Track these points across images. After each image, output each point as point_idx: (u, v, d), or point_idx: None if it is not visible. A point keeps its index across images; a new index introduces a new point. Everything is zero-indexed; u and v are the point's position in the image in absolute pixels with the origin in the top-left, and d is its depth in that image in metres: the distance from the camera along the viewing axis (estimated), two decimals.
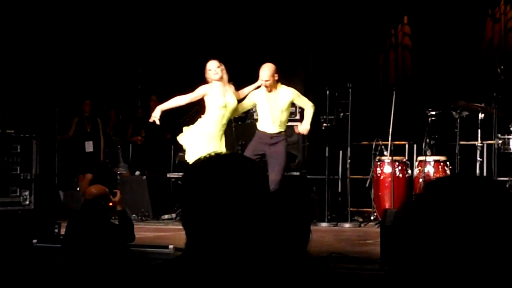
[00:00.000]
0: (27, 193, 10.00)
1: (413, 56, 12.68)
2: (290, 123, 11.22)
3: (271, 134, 8.97)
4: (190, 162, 9.11)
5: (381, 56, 12.93)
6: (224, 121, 8.84)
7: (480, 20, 12.11)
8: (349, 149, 10.32)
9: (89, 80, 13.25)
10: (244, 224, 1.91)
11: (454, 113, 9.63)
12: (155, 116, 8.86)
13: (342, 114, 10.27)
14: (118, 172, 12.50)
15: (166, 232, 8.69)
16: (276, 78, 8.91)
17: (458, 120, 9.60)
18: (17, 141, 10.02)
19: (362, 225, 9.89)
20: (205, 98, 8.83)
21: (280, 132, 9.02)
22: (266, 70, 8.87)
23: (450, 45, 11.96)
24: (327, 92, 10.24)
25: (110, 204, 5.90)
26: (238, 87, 9.11)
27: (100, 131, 12.30)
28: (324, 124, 10.41)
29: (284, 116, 9.05)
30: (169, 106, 9.04)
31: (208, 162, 1.96)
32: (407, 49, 12.75)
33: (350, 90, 9.78)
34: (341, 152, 10.78)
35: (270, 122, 8.97)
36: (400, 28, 12.78)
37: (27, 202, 9.99)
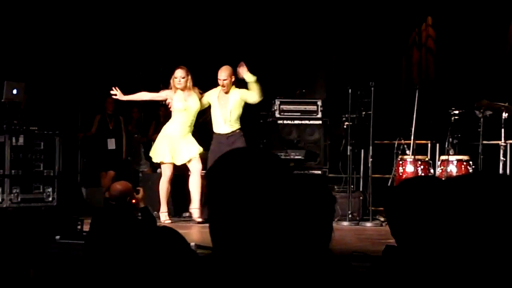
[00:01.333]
0: (50, 189, 10.06)
1: (436, 55, 12.61)
2: (312, 122, 11.26)
3: (227, 134, 9.43)
4: (153, 160, 9.64)
5: (403, 57, 12.88)
6: (187, 123, 9.49)
7: (504, 19, 12.03)
8: (371, 147, 10.28)
9: (111, 78, 13.30)
10: (267, 221, 1.91)
11: (477, 112, 9.57)
12: (117, 96, 9.91)
13: (364, 113, 10.23)
14: (140, 170, 12.54)
15: (188, 230, 8.70)
16: (233, 80, 9.49)
17: (482, 119, 9.54)
18: (40, 138, 10.09)
19: (383, 224, 9.86)
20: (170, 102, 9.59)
21: (234, 131, 9.48)
22: (224, 71, 9.49)
23: (474, 44, 11.88)
24: (349, 91, 10.20)
25: (133, 201, 5.92)
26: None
27: (122, 129, 12.37)
28: (346, 123, 10.37)
29: (234, 115, 9.46)
30: (132, 98, 10.08)
31: (233, 158, 1.97)
32: (431, 48, 12.69)
33: (372, 88, 9.74)
34: (363, 150, 10.74)
35: (222, 122, 9.46)
36: (423, 27, 12.71)
37: (50, 199, 10.05)
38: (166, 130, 9.49)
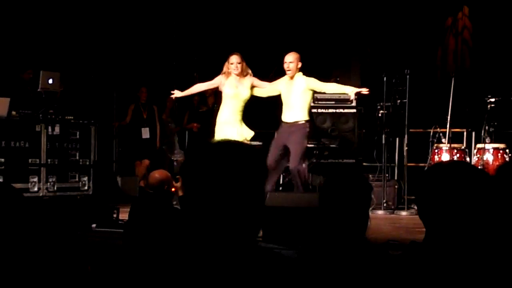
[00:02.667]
0: (86, 178, 10.13)
1: (473, 43, 12.48)
2: (346, 110, 11.21)
3: (289, 123, 8.97)
4: None
5: (440, 45, 12.77)
6: (236, 109, 9.07)
7: None
8: (406, 136, 10.23)
9: (145, 67, 13.36)
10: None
11: None
12: (175, 96, 9.65)
13: (399, 101, 10.17)
14: (175, 159, 12.59)
15: None
16: (299, 66, 8.94)
17: None
18: (76, 127, 10.15)
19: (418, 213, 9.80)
20: (220, 88, 9.20)
21: (297, 121, 8.93)
22: (291, 54, 9.00)
23: (511, 31, 11.74)
24: (384, 78, 10.14)
25: (173, 189, 5.92)
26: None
27: (156, 118, 12.42)
28: (381, 111, 10.32)
29: (296, 103, 8.96)
30: (190, 92, 9.68)
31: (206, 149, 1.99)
32: (467, 39, 12.56)
33: (408, 76, 9.67)
34: (398, 139, 10.69)
35: (285, 110, 9.03)
36: (460, 15, 12.59)
37: (86, 188, 10.12)
38: (219, 118, 9.21)
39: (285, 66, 8.88)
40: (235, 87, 9.09)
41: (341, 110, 11.16)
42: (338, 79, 11.77)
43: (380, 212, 9.81)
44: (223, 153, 1.96)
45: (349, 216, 2.97)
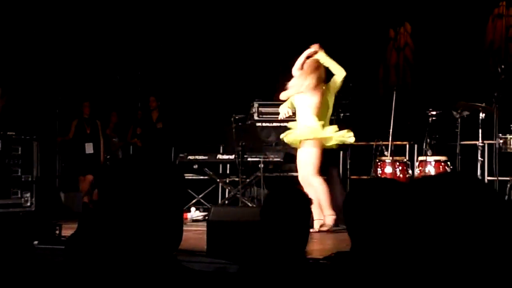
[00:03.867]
0: (28, 195, 9.99)
1: (414, 56, 12.67)
2: (290, 124, 11.27)
3: None
4: None
5: (381, 59, 12.93)
6: None
7: (481, 20, 12.11)
8: (349, 149, 10.31)
9: (88, 82, 13.26)
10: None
11: (454, 113, 9.62)
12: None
13: (342, 114, 10.26)
14: None
15: None
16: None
17: (459, 120, 9.59)
18: (18, 143, 10.02)
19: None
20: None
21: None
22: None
23: (451, 45, 11.96)
24: None
25: None
26: None
27: (99, 133, 12.33)
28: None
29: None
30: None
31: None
32: (408, 57, 12.74)
33: (351, 90, 9.76)
34: (341, 152, 10.77)
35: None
36: (402, 30, 12.77)
37: (28, 204, 9.98)
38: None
39: None
40: None
41: (286, 124, 11.20)
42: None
43: None
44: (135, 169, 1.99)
45: (288, 230, 2.99)
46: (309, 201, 3.13)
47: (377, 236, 2.18)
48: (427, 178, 1.50)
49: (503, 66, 9.36)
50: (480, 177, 9.83)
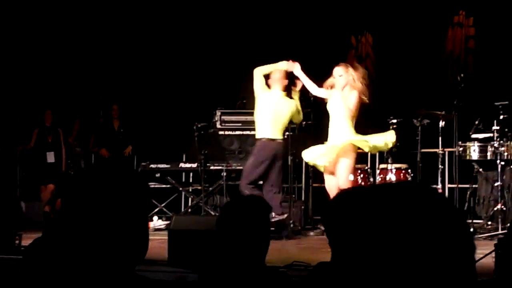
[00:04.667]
0: None
1: (374, 65, 12.76)
2: (253, 132, 11.30)
3: None
4: None
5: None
6: None
7: (441, 29, 12.24)
8: None
9: (50, 90, 13.15)
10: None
11: (415, 121, 9.70)
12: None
13: (304, 122, 10.29)
14: None
15: None
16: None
17: (419, 128, 9.68)
18: None
19: (324, 233, 9.90)
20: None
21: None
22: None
23: (411, 53, 12.06)
24: None
25: None
26: None
27: (61, 142, 12.22)
28: (287, 133, 10.43)
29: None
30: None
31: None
32: (370, 61, 12.83)
33: (312, 98, 9.80)
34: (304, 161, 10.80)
35: None
36: (363, 40, 12.85)
37: None
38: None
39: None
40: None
41: (248, 132, 11.23)
42: (244, 101, 11.85)
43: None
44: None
45: (245, 238, 2.99)
46: (268, 209, 3.13)
47: (356, 245, 2.18)
48: (382, 186, 1.52)
49: (462, 75, 9.47)
50: (440, 185, 9.93)
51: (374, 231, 1.45)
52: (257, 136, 9.41)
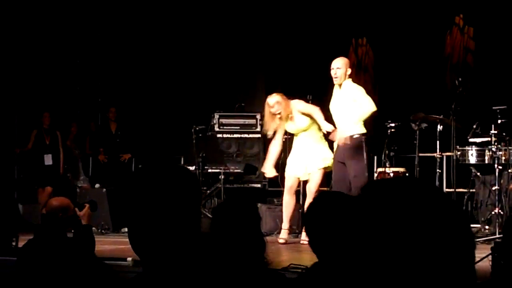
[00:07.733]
0: None
1: (374, 68, 12.76)
2: (251, 135, 11.30)
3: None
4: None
5: None
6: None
7: (439, 33, 12.24)
8: None
9: (48, 92, 13.14)
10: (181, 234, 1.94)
11: (413, 125, 9.70)
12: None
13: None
14: (78, 185, 12.40)
15: (126, 245, 8.62)
16: (349, 72, 9.05)
17: (417, 132, 9.68)
18: None
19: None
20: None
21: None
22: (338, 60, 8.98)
23: (410, 58, 12.06)
24: None
25: (70, 214, 5.76)
26: None
27: (59, 144, 12.21)
28: (285, 136, 10.43)
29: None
30: (273, 160, 9.67)
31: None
32: (369, 71, 12.82)
33: (310, 102, 9.80)
34: None
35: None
36: (360, 41, 12.85)
37: None
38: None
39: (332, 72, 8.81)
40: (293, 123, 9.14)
41: (246, 135, 11.25)
42: (243, 104, 11.87)
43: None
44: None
45: (237, 240, 3.00)
46: (256, 209, 3.14)
47: (340, 247, 2.18)
48: (377, 182, 1.50)
49: (460, 79, 9.46)
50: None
51: (362, 229, 1.44)
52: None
